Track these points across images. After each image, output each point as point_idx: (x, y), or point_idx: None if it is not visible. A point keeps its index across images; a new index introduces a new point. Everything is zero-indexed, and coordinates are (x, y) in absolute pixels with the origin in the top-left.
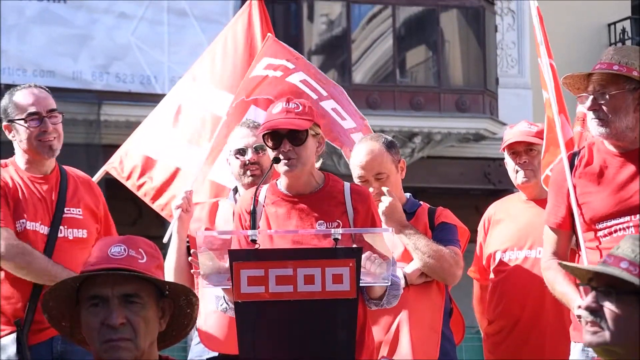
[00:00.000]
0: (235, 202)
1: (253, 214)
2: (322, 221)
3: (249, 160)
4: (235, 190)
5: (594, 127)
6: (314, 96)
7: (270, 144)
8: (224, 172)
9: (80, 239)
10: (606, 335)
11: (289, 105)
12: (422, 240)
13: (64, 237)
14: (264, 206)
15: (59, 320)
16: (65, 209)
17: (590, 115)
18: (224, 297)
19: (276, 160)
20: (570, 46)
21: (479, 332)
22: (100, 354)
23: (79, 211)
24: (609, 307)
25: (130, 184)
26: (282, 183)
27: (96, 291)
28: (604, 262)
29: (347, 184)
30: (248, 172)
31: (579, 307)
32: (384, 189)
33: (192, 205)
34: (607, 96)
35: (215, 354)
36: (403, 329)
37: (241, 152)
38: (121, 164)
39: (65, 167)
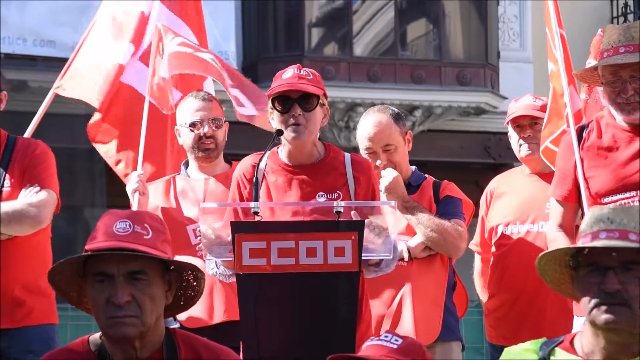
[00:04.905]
0: (189, 177)
1: (255, 184)
2: (322, 192)
3: (204, 133)
4: (187, 164)
5: (629, 111)
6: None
7: (279, 108)
8: None
9: None
10: (635, 313)
11: (300, 72)
12: (425, 215)
13: None
14: (265, 174)
15: (67, 292)
16: None
17: (621, 99)
18: (215, 261)
19: (279, 132)
20: (571, 20)
21: (479, 305)
22: (106, 329)
23: None
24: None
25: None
26: (283, 152)
27: (101, 268)
28: (612, 237)
29: (347, 155)
30: (202, 146)
31: None
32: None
33: (146, 187)
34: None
35: (177, 324)
36: (406, 303)
37: (196, 124)
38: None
39: None
